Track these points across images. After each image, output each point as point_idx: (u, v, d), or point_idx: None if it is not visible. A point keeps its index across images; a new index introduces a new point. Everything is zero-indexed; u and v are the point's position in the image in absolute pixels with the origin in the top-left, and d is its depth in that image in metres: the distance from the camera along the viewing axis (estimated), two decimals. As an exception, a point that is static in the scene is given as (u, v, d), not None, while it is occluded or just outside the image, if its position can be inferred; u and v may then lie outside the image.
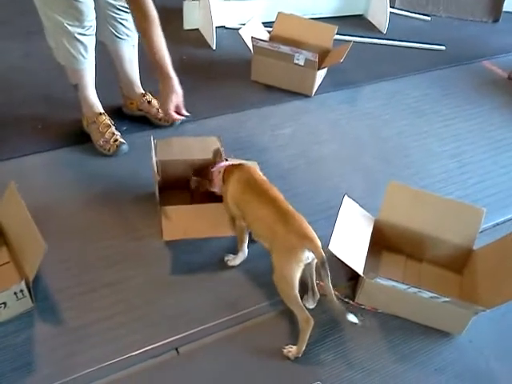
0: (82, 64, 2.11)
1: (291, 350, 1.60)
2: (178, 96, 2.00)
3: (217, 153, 1.92)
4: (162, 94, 2.00)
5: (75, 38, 2.02)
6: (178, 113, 2.05)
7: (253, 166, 1.89)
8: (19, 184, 1.76)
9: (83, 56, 2.09)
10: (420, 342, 1.69)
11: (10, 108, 2.47)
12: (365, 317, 1.73)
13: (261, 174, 1.83)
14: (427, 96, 2.88)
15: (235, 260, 1.85)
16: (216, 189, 1.91)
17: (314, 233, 1.56)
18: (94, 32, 2.09)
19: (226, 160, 1.91)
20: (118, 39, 2.22)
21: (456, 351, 1.68)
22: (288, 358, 1.60)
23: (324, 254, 1.51)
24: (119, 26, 2.19)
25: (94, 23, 2.06)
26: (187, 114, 2.07)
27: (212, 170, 1.88)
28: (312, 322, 1.56)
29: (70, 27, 1.99)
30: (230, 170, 1.83)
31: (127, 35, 2.22)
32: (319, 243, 1.53)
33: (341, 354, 1.63)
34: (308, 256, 1.53)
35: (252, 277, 1.83)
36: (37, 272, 1.60)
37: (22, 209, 1.66)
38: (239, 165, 1.85)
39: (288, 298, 1.58)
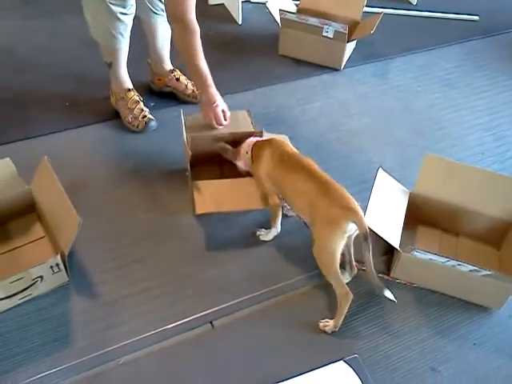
0: (120, 43, 2.09)
1: (328, 324, 1.58)
2: (221, 105, 1.98)
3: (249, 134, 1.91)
4: (205, 106, 1.97)
5: (117, 17, 1.99)
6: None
7: (282, 138, 1.85)
8: (50, 160, 1.76)
9: (122, 35, 2.07)
10: (458, 316, 1.66)
11: (39, 86, 2.47)
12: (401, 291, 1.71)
13: (292, 146, 1.79)
14: (460, 68, 2.79)
15: (268, 235, 1.84)
16: (240, 163, 1.88)
17: (357, 204, 1.52)
18: (134, 10, 2.06)
19: (260, 136, 1.88)
20: (154, 14, 2.19)
21: (495, 326, 1.64)
22: (324, 332, 1.58)
23: (367, 228, 1.48)
24: (156, 1, 2.16)
25: (134, 1, 2.03)
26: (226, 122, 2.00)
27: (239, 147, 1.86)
28: (351, 297, 1.53)
29: (113, 6, 1.96)
30: (259, 146, 1.79)
31: (163, 10, 2.18)
32: (363, 215, 1.50)
33: (378, 327, 1.62)
34: (351, 228, 1.50)
35: (285, 252, 1.82)
36: (71, 247, 1.61)
37: (55, 184, 1.67)
38: (268, 140, 1.80)
39: (328, 271, 1.55)
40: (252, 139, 1.85)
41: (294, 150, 1.77)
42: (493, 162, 2.21)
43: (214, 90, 1.96)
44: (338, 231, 1.50)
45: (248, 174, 1.91)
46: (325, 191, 1.55)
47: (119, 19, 2.01)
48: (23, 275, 1.55)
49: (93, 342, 1.55)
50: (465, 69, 2.78)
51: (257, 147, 1.79)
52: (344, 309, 1.55)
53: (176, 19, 1.90)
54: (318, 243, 1.55)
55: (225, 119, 1.98)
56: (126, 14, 2.01)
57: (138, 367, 1.51)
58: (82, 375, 1.49)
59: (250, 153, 1.81)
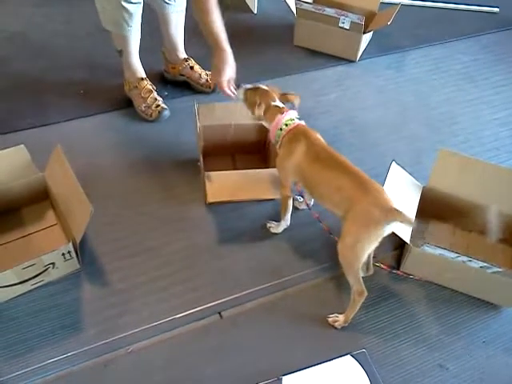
0: (126, 31, 2.08)
1: (338, 320, 1.58)
2: (232, 70, 1.92)
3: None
4: (216, 67, 1.91)
5: (121, 5, 1.98)
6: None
7: (316, 132, 1.70)
8: (63, 148, 1.76)
9: (127, 23, 2.05)
10: (468, 313, 1.65)
11: (54, 73, 2.48)
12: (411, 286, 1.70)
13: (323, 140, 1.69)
14: (477, 61, 2.75)
15: (278, 228, 1.83)
16: (267, 124, 1.76)
17: (396, 206, 1.45)
18: (141, 0, 2.04)
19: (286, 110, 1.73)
20: (166, 4, 2.17)
21: (506, 324, 1.63)
22: (334, 327, 1.58)
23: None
24: None
25: None
26: (235, 92, 1.89)
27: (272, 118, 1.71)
28: (365, 295, 1.52)
29: None
30: (294, 135, 1.66)
31: (175, 0, 2.18)
32: (406, 213, 1.43)
33: (386, 322, 1.62)
34: (388, 229, 1.46)
35: (295, 244, 1.81)
36: (83, 235, 1.62)
37: (68, 172, 1.68)
38: (304, 132, 1.67)
39: (350, 268, 1.51)
40: (290, 117, 1.70)
41: (327, 145, 1.67)
42: (508, 158, 2.18)
43: (225, 54, 1.89)
44: (375, 232, 1.45)
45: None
46: (365, 189, 1.49)
47: (123, 7, 1.99)
48: (36, 261, 1.57)
49: (103, 330, 1.57)
50: (482, 62, 2.74)
51: (291, 135, 1.67)
52: (357, 306, 1.54)
53: None
54: (348, 240, 1.49)
55: (229, 88, 1.91)
56: (130, 2, 1.99)
57: (146, 355, 1.53)
58: (92, 362, 1.51)
59: (282, 135, 1.68)
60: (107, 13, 2.04)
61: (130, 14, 2.03)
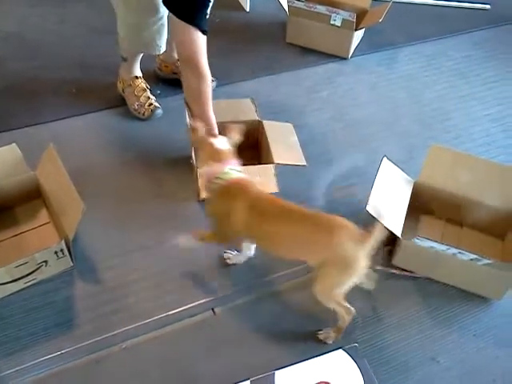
0: (156, 50, 2.12)
1: (329, 336, 1.54)
2: None
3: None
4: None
5: (162, 25, 2.02)
6: None
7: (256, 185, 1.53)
8: (56, 147, 1.77)
9: (158, 44, 2.10)
10: (459, 307, 1.67)
11: (47, 73, 2.48)
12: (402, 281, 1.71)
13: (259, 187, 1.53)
14: (469, 58, 2.77)
15: (238, 258, 1.73)
16: (204, 171, 1.60)
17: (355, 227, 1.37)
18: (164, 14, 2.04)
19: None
20: None
21: (496, 317, 1.65)
22: (325, 343, 1.55)
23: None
24: None
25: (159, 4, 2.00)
26: None
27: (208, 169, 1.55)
28: (353, 312, 1.48)
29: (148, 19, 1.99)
30: (229, 193, 1.49)
31: None
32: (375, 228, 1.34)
33: (378, 317, 1.63)
34: (366, 262, 1.37)
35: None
36: (75, 233, 1.63)
37: (60, 170, 1.68)
38: (239, 185, 1.51)
39: (330, 303, 1.46)
40: (226, 170, 1.52)
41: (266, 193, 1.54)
42: (499, 154, 2.20)
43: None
44: (355, 270, 1.36)
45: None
46: (327, 228, 1.38)
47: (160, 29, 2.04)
48: (28, 260, 1.57)
49: (96, 327, 1.58)
50: (474, 59, 2.76)
51: (225, 193, 1.49)
52: (345, 323, 1.50)
53: (189, 63, 1.78)
54: (327, 283, 1.41)
55: None
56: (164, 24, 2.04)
57: (140, 352, 1.53)
58: (86, 358, 1.51)
59: (216, 187, 1.51)
60: (144, 37, 2.06)
61: (161, 35, 2.07)
